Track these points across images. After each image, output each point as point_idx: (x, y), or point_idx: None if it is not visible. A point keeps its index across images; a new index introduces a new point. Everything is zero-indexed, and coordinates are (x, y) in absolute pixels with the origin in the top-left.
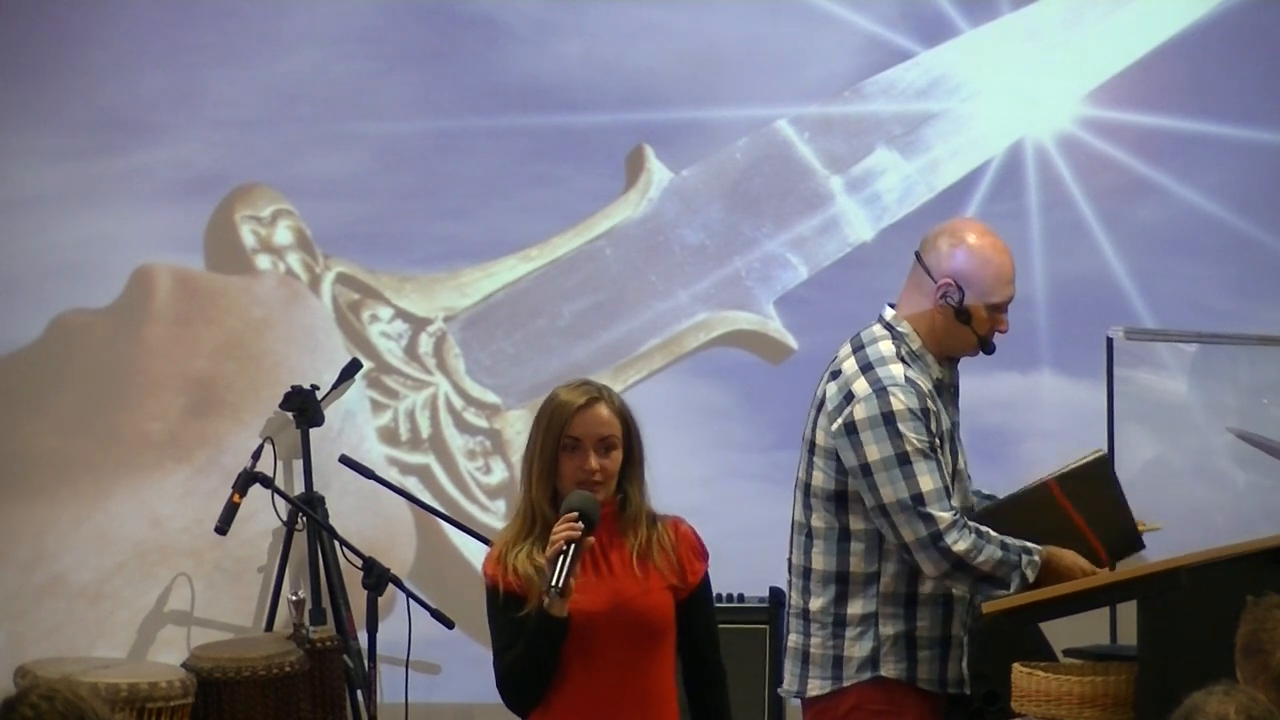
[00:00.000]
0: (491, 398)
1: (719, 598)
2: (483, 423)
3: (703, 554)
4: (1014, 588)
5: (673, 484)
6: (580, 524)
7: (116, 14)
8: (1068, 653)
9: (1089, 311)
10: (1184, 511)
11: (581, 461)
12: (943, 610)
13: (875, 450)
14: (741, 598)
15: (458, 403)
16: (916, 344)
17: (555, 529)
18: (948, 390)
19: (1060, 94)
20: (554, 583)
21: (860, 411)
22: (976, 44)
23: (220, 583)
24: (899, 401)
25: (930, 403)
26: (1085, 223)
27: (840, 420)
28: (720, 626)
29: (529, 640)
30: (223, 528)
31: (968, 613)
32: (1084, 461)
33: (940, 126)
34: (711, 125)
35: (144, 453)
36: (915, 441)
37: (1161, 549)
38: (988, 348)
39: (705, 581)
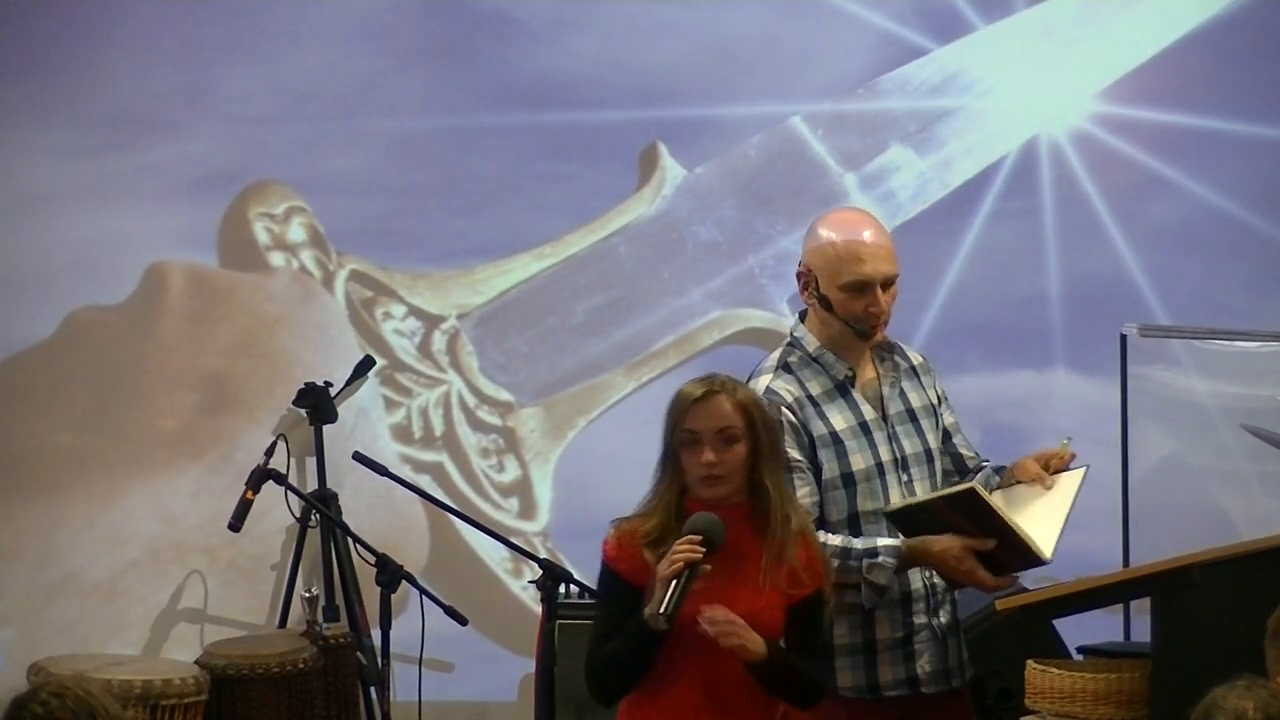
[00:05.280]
0: (505, 395)
1: None
2: (496, 420)
3: (821, 570)
4: (865, 593)
5: None
6: (702, 548)
7: (129, 11)
8: (1081, 650)
9: (1103, 308)
10: (1198, 508)
11: (699, 455)
12: (861, 617)
13: None
14: None
15: (471, 400)
16: (812, 347)
17: (677, 547)
18: (912, 375)
19: (1074, 91)
20: (663, 609)
21: None
22: (990, 41)
23: (233, 580)
24: None
25: (793, 414)
26: (1099, 219)
27: None
28: None
29: (625, 643)
30: (236, 525)
31: (928, 610)
32: (954, 491)
33: (954, 123)
34: (725, 122)
35: (157, 450)
36: None
37: (1175, 546)
38: (860, 333)
39: (816, 597)
